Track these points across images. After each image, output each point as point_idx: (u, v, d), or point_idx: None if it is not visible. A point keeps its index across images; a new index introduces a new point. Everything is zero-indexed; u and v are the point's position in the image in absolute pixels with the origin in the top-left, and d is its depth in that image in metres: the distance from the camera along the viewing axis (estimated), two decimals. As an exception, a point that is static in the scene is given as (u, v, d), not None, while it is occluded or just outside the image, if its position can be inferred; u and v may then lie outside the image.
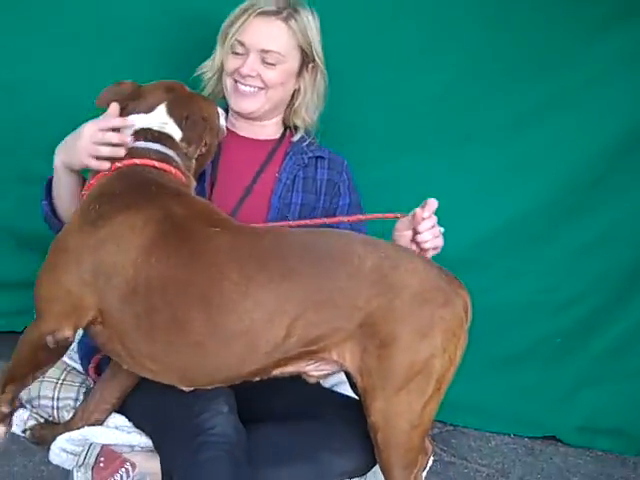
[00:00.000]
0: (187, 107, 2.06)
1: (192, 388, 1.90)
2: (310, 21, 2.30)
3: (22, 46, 2.62)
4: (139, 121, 2.03)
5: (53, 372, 2.20)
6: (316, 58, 2.32)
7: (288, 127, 2.43)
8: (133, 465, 1.94)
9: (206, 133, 2.07)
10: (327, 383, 2.42)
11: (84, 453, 1.99)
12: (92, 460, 1.96)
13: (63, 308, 1.81)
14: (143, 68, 2.52)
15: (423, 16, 2.70)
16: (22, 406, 2.25)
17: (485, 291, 2.94)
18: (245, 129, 2.38)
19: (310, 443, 1.95)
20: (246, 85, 2.27)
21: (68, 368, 2.24)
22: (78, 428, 2.10)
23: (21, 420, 2.21)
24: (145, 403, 2.00)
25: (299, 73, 2.33)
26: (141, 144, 1.99)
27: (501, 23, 2.73)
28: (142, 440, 2.09)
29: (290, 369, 1.87)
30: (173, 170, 1.96)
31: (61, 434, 2.07)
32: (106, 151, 1.93)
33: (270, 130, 2.41)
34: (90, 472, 1.90)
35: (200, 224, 1.85)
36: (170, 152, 2.00)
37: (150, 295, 1.77)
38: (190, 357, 1.81)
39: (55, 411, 2.17)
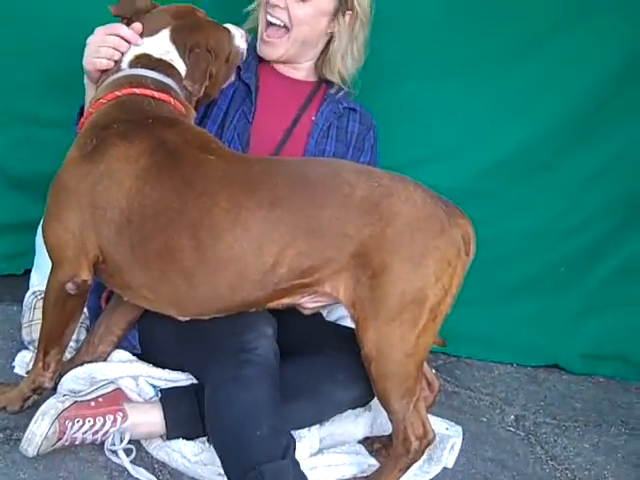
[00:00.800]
0: (192, 35, 2.02)
1: (188, 318, 1.91)
2: None
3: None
4: (142, 44, 2.01)
5: (53, 312, 2.21)
6: (356, 6, 2.29)
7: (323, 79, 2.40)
8: (124, 417, 1.95)
9: (212, 65, 2.03)
10: (332, 316, 2.43)
11: (89, 390, 2.00)
12: (92, 395, 1.96)
13: (73, 251, 1.83)
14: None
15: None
16: (25, 348, 2.27)
17: (491, 221, 2.93)
18: (281, 67, 2.35)
19: (314, 377, 1.97)
20: (273, 17, 2.23)
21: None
22: (83, 363, 2.11)
23: (24, 362, 2.23)
24: (188, 329, 1.99)
25: (334, 16, 2.28)
26: (141, 71, 1.97)
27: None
28: (146, 369, 2.11)
29: (285, 301, 1.87)
30: (172, 101, 1.95)
31: (67, 371, 2.08)
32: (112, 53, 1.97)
33: (305, 72, 2.39)
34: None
35: (193, 152, 1.84)
36: (169, 81, 1.98)
37: (143, 224, 1.78)
38: (182, 285, 1.82)
39: (56, 350, 2.17)
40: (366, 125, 2.41)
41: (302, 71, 2.38)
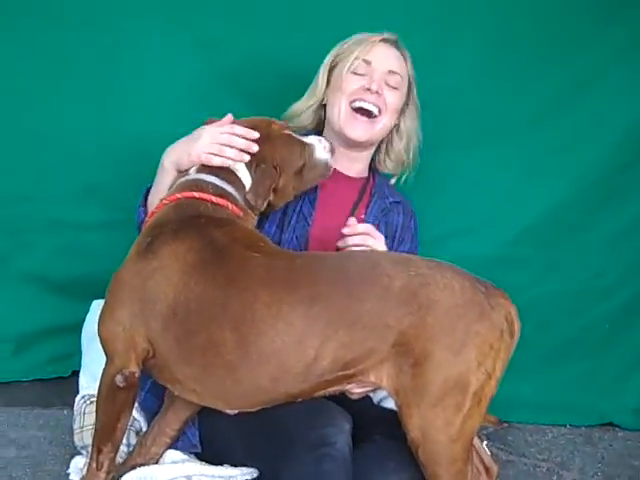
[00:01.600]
0: (259, 149, 2.08)
1: (235, 411, 1.93)
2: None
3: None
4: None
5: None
6: (412, 98, 2.39)
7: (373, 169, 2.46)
8: None
9: (277, 181, 2.10)
10: (376, 397, 2.42)
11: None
12: None
13: (123, 344, 1.90)
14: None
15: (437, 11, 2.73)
16: (79, 453, 2.29)
17: (528, 285, 2.96)
18: (339, 162, 2.35)
19: (366, 466, 1.95)
20: (369, 103, 2.28)
21: (116, 411, 2.25)
22: (136, 466, 2.12)
23: (78, 468, 2.25)
24: (255, 421, 1.99)
25: (402, 108, 2.38)
26: (204, 176, 2.05)
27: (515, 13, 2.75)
28: (199, 469, 2.11)
29: (330, 390, 1.89)
30: (229, 205, 2.01)
31: (121, 475, 2.10)
32: (231, 153, 2.04)
33: (361, 166, 2.43)
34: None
35: (239, 250, 1.90)
36: (229, 188, 2.05)
37: (188, 318, 1.84)
38: (225, 379, 1.85)
39: (110, 456, 2.19)
40: (408, 215, 2.45)
41: (360, 163, 2.42)
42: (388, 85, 2.29)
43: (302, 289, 1.82)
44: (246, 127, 2.09)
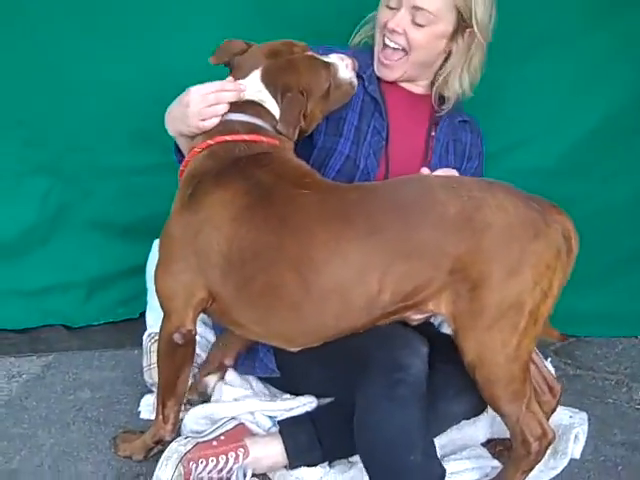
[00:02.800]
0: (283, 77, 2.04)
1: (299, 348, 1.95)
2: None
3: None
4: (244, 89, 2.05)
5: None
6: (474, 24, 2.23)
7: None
8: (246, 453, 2.03)
9: (305, 106, 2.05)
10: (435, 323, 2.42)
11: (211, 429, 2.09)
12: (215, 434, 2.05)
13: (181, 302, 1.94)
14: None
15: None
16: (150, 391, 2.38)
17: (590, 195, 2.90)
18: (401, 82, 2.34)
19: (430, 395, 1.95)
20: (391, 41, 2.23)
21: (180, 347, 2.32)
22: (193, 401, 2.22)
23: (148, 405, 2.34)
24: (331, 346, 2.00)
25: (452, 37, 2.26)
26: (232, 116, 2.02)
27: None
28: (260, 405, 2.18)
29: (392, 319, 1.90)
30: (264, 139, 1.99)
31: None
32: (225, 108, 2.01)
33: (423, 89, 2.38)
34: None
35: (286, 188, 1.89)
36: (259, 122, 2.02)
37: (244, 265, 1.85)
38: (289, 319, 1.88)
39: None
40: (475, 133, 2.41)
41: (420, 87, 2.38)
42: (415, 22, 2.19)
43: (357, 223, 1.82)
44: (264, 53, 2.06)
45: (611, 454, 2.26)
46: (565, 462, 2.18)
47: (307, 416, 2.10)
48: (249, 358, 2.26)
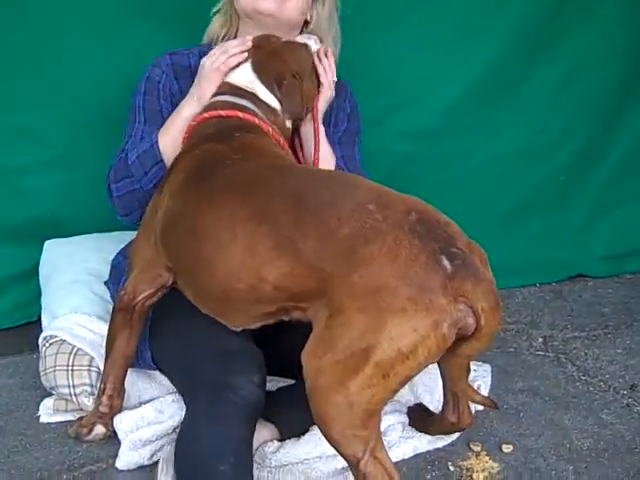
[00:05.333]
0: (274, 65, 2.08)
1: (234, 327, 1.91)
2: None
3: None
4: (231, 76, 2.10)
5: (62, 358, 2.26)
6: None
7: None
8: None
9: (302, 88, 2.09)
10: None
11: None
12: None
13: (136, 272, 2.02)
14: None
15: None
16: (50, 394, 2.33)
17: (474, 150, 2.95)
18: None
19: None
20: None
21: (74, 350, 2.27)
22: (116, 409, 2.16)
23: (47, 407, 2.29)
24: (176, 348, 2.04)
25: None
26: (218, 97, 2.07)
27: None
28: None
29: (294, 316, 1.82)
30: (240, 114, 2.02)
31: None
32: (234, 60, 2.08)
33: None
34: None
35: (218, 160, 1.90)
36: (245, 102, 2.05)
37: (166, 233, 1.91)
38: (195, 286, 1.90)
39: (74, 398, 2.23)
40: (341, 96, 2.35)
41: None
42: None
43: (254, 204, 1.77)
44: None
45: (512, 401, 2.31)
46: (467, 415, 2.21)
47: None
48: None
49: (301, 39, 2.18)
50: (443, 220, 1.68)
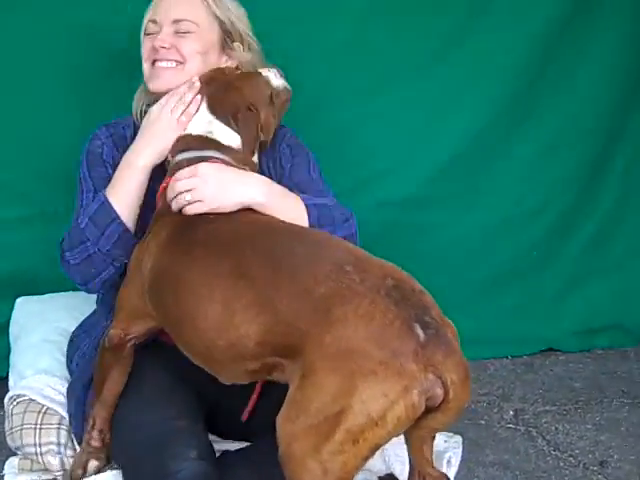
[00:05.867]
0: (229, 99, 2.04)
1: (228, 383, 1.88)
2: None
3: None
4: (189, 125, 2.06)
5: (30, 417, 2.22)
6: (242, 34, 2.22)
7: None
8: None
9: (259, 118, 2.04)
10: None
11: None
12: None
13: (124, 315, 1.99)
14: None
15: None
16: (15, 454, 2.28)
17: (452, 221, 2.98)
18: None
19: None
20: (163, 60, 2.14)
21: (43, 409, 2.24)
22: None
23: (12, 466, 2.24)
24: (120, 439, 2.00)
25: (223, 48, 2.21)
26: (195, 153, 2.00)
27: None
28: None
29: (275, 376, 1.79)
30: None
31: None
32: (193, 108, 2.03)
33: None
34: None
35: (201, 215, 1.88)
36: (209, 153, 1.99)
37: (152, 287, 1.88)
38: (181, 340, 1.86)
39: (40, 457, 2.18)
40: (275, 146, 2.25)
41: None
42: (179, 33, 2.14)
43: (230, 260, 1.75)
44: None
45: (483, 475, 2.31)
46: (439, 488, 2.19)
47: (241, 454, 2.06)
48: None
49: (262, 71, 2.13)
50: (418, 288, 1.68)
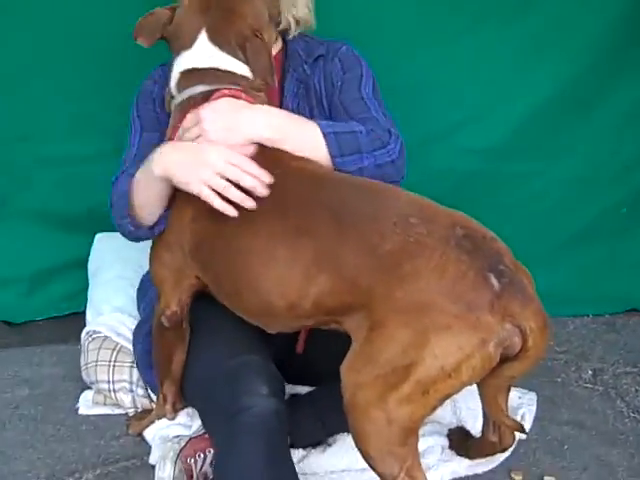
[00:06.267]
0: (233, 27, 1.89)
1: (274, 332, 1.89)
2: None
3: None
4: (185, 60, 1.91)
5: (105, 354, 2.27)
6: None
7: (285, 38, 2.21)
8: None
9: (269, 47, 1.95)
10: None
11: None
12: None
13: (169, 285, 1.93)
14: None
15: None
16: (88, 387, 2.33)
17: (540, 172, 2.88)
18: None
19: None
20: None
21: (117, 347, 2.28)
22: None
23: (87, 400, 2.29)
24: (192, 377, 2.01)
25: None
26: (190, 92, 1.89)
27: None
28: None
29: (331, 327, 1.80)
30: (244, 97, 1.87)
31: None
32: (237, 197, 1.75)
33: None
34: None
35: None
36: (225, 86, 1.88)
37: (200, 249, 1.85)
38: (234, 299, 1.85)
39: (113, 393, 2.24)
40: (328, 59, 2.16)
41: None
42: None
43: (294, 220, 1.72)
44: (197, 11, 1.90)
45: (557, 433, 2.24)
46: (511, 443, 2.15)
47: (307, 397, 2.11)
48: None
49: None
50: (489, 236, 1.65)
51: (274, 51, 2.16)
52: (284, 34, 2.19)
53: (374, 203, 1.71)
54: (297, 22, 2.15)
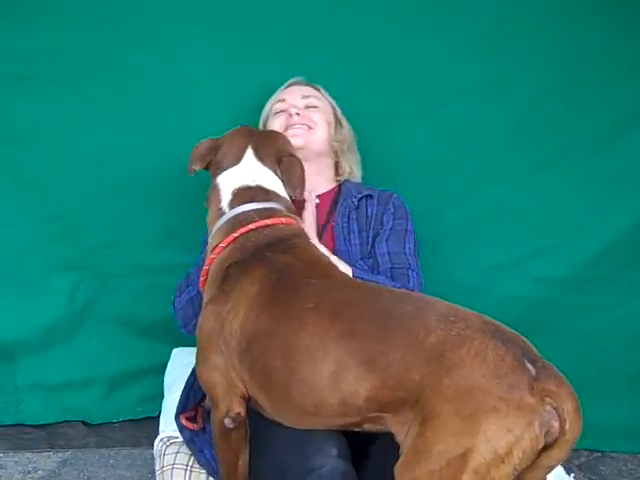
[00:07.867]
0: (273, 146, 2.19)
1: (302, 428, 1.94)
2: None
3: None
4: (233, 178, 2.13)
5: (182, 458, 2.29)
6: (340, 118, 2.59)
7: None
8: None
9: (303, 166, 2.19)
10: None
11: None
12: None
13: (222, 388, 1.97)
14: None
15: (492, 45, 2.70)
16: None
17: (613, 305, 2.88)
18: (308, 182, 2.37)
19: None
20: (297, 124, 2.45)
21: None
22: None
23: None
24: (263, 450, 2.04)
25: (335, 128, 2.55)
26: (245, 207, 2.08)
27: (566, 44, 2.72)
28: None
29: (374, 428, 1.85)
30: (283, 220, 2.06)
31: None
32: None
33: (324, 177, 2.55)
34: None
35: (299, 275, 1.95)
36: (272, 205, 2.09)
37: (251, 349, 1.91)
38: (282, 403, 1.90)
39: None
40: (384, 203, 2.50)
41: (323, 176, 2.54)
42: (308, 107, 2.51)
43: (343, 322, 1.82)
44: (243, 134, 2.23)
45: None
46: None
47: None
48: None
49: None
50: (516, 333, 1.76)
51: (330, 186, 2.55)
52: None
53: (416, 305, 1.85)
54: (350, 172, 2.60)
